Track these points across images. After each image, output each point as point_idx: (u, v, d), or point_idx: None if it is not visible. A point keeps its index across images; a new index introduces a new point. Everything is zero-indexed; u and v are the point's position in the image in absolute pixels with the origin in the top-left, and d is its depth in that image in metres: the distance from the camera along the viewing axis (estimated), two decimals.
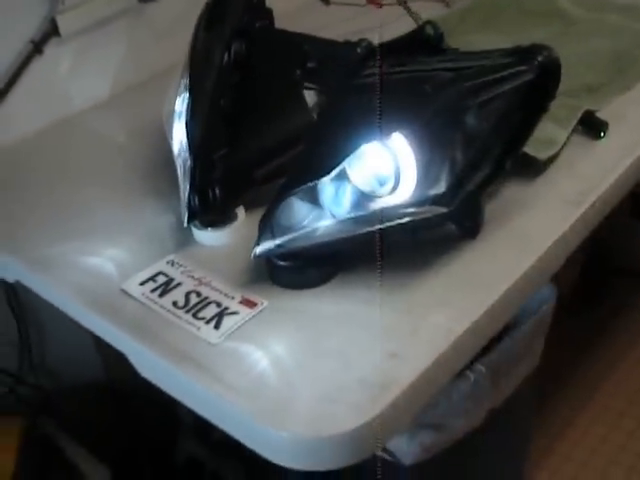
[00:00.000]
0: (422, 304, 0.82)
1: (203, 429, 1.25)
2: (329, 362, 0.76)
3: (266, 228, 0.82)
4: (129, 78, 1.26)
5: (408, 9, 1.23)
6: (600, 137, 1.02)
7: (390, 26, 1.30)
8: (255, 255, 0.82)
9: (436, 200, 0.79)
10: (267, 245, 0.82)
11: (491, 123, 0.80)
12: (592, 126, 1.02)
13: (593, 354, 1.73)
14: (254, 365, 0.77)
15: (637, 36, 1.20)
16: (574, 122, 1.00)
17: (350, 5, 1.37)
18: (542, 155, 0.94)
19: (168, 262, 0.89)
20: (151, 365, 0.81)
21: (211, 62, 0.91)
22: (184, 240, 0.93)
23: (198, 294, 0.84)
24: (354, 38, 1.00)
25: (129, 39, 1.25)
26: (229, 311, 0.82)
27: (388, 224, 0.79)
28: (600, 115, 1.06)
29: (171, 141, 0.93)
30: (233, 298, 0.84)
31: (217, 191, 0.88)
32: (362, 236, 0.80)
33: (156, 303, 0.84)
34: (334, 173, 0.79)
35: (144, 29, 1.26)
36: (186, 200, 0.87)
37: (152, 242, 0.93)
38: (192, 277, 0.87)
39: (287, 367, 0.76)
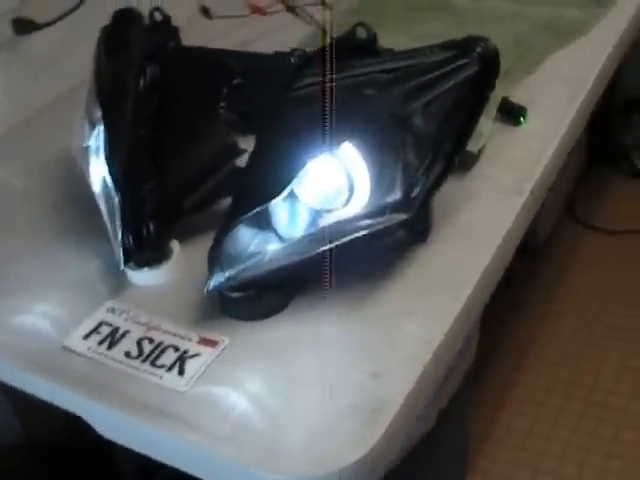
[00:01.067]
0: (390, 316, 0.79)
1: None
2: (311, 392, 0.72)
3: (215, 260, 0.76)
4: (10, 117, 1.17)
5: (300, 14, 1.19)
6: (520, 123, 1.01)
7: (279, 33, 1.28)
8: (208, 291, 0.76)
9: (395, 207, 0.76)
10: (219, 278, 0.76)
11: (438, 121, 0.77)
12: (511, 112, 1.02)
13: (511, 334, 1.75)
14: (232, 408, 0.71)
15: (532, 20, 1.21)
16: (494, 110, 0.99)
17: (233, 17, 1.32)
18: (473, 147, 0.93)
19: (108, 310, 0.82)
20: (114, 424, 0.74)
21: (124, 89, 0.84)
22: (118, 284, 0.86)
23: (150, 340, 0.78)
24: (243, 48, 0.95)
25: (6, 75, 1.16)
26: (189, 354, 0.76)
27: (344, 239, 0.76)
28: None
29: (89, 179, 0.86)
30: (190, 339, 0.78)
31: (151, 226, 0.82)
32: (318, 255, 0.76)
33: (106, 356, 0.77)
34: (282, 195, 0.75)
35: (22, 64, 1.17)
36: (120, 241, 0.80)
37: (85, 291, 0.86)
38: (138, 323, 0.80)
39: (268, 405, 0.72)
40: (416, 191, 0.77)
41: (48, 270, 0.89)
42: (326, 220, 0.76)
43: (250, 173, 0.78)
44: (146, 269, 0.85)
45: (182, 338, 0.78)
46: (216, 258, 0.76)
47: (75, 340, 0.79)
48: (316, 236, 0.76)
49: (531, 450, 1.54)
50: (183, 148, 0.87)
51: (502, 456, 1.53)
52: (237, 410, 0.71)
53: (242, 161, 0.87)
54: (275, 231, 0.77)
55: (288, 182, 0.75)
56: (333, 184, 0.76)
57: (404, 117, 0.75)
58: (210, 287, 0.76)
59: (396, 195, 0.76)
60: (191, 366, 0.75)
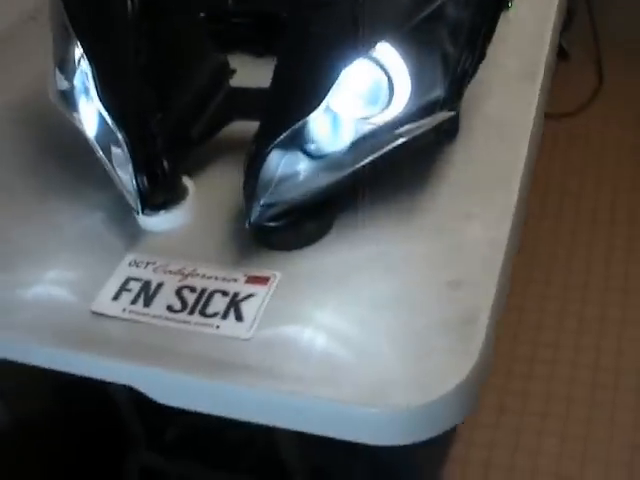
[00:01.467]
0: (447, 222, 0.73)
1: (154, 436, 1.09)
2: (390, 314, 0.66)
3: (253, 190, 0.68)
4: None
5: None
6: (508, 7, 0.95)
7: None
8: (249, 224, 0.68)
9: (439, 106, 0.69)
10: (259, 209, 0.68)
11: (472, 7, 0.71)
12: None
13: None
14: (310, 346, 0.64)
15: None
16: None
17: None
18: None
19: (130, 263, 0.73)
20: (177, 387, 0.66)
21: (111, 17, 0.74)
22: (132, 234, 0.76)
23: (191, 289, 0.70)
24: None
25: None
26: (241, 296, 0.68)
27: (387, 147, 0.69)
28: None
29: (81, 125, 0.75)
30: (236, 280, 0.70)
31: (164, 163, 0.73)
32: (359, 169, 0.69)
33: (146, 315, 0.68)
34: (318, 109, 0.67)
35: None
36: (133, 184, 0.70)
37: (94, 248, 0.76)
38: (170, 272, 0.72)
39: (349, 335, 0.65)
40: (458, 86, 0.70)
41: (45, 234, 0.78)
42: (366, 129, 0.69)
43: (277, 92, 0.70)
44: (162, 212, 0.75)
45: (226, 280, 0.70)
46: (253, 187, 0.68)
47: (104, 303, 0.70)
48: (357, 148, 0.69)
49: None
50: (178, 74, 0.77)
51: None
52: (317, 347, 0.64)
53: (242, 82, 0.79)
54: (313, 150, 0.69)
55: (322, 95, 0.67)
56: (371, 89, 0.69)
57: (436, 9, 0.68)
58: (252, 220, 0.68)
59: (439, 92, 0.69)
60: (248, 309, 0.67)
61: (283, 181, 0.69)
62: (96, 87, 0.72)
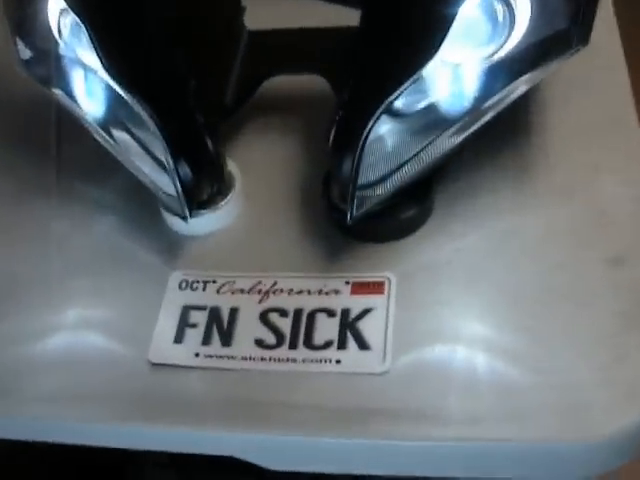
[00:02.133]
0: (573, 178, 0.58)
1: None
2: (553, 310, 0.51)
3: (353, 173, 0.51)
4: None
5: None
6: None
7: None
8: (351, 218, 0.51)
9: (567, 39, 0.54)
10: (364, 197, 0.51)
11: None
12: None
13: None
14: (470, 370, 0.49)
15: None
16: None
17: None
18: None
19: (181, 286, 0.54)
20: (304, 451, 0.49)
21: None
22: (166, 242, 0.57)
23: (281, 312, 0.52)
24: None
25: None
26: (355, 313, 0.52)
27: (515, 91, 0.53)
28: None
29: (73, 105, 0.55)
30: (338, 292, 0.53)
31: (209, 143, 0.54)
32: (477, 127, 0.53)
33: (231, 358, 0.51)
34: (435, 57, 0.49)
35: None
36: (174, 175, 0.51)
37: (123, 267, 0.57)
38: (241, 291, 0.54)
39: (513, 347, 0.50)
40: (587, 8, 0.54)
41: (44, 252, 0.58)
42: (485, 72, 0.52)
43: (371, 43, 0.52)
44: (204, 211, 0.57)
45: (325, 294, 0.53)
46: (355, 169, 0.50)
47: (165, 349, 0.51)
48: (478, 97, 0.52)
49: None
50: (193, 21, 0.57)
51: None
52: (478, 371, 0.49)
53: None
54: (423, 109, 0.52)
55: (437, 40, 0.49)
56: (489, 24, 0.52)
57: None
58: (354, 212, 0.51)
59: (564, 22, 0.53)
60: (372, 330, 0.51)
61: (388, 156, 0.52)
62: (96, 49, 0.52)
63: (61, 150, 0.62)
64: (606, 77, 0.63)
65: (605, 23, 0.66)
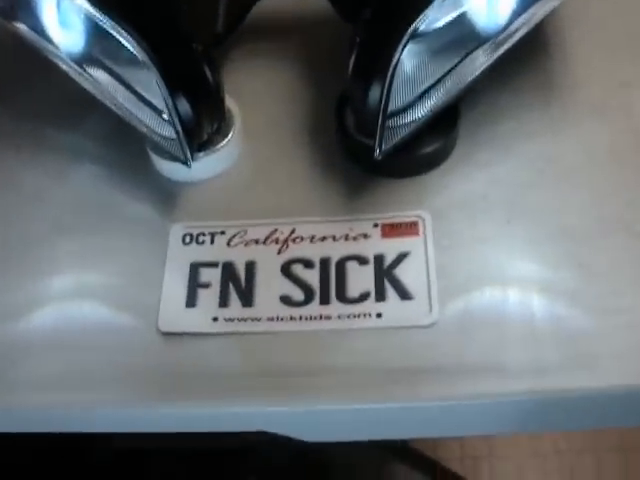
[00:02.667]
0: (602, 96, 0.53)
1: None
2: (608, 240, 0.46)
3: (381, 104, 0.44)
4: None
5: None
6: None
7: None
8: (380, 152, 0.45)
9: None
10: (394, 130, 0.45)
11: None
12: None
13: None
14: (528, 314, 0.44)
15: None
16: None
17: None
18: None
19: (185, 240, 0.48)
20: (351, 421, 0.43)
21: None
22: (162, 194, 0.50)
23: (306, 263, 0.46)
24: None
25: None
26: (391, 259, 0.46)
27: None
28: None
29: (53, 48, 0.47)
30: (367, 236, 0.47)
31: (208, 73, 0.47)
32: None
33: (255, 320, 0.44)
34: None
35: None
36: (173, 112, 0.44)
37: (113, 221, 0.49)
38: (255, 242, 0.47)
39: (572, 286, 0.45)
40: None
41: (18, 224, 0.50)
42: None
43: None
44: (204, 153, 0.50)
45: (352, 239, 0.47)
46: (383, 99, 0.44)
47: (177, 316, 0.45)
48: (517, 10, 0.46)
49: None
50: None
51: None
52: (537, 315, 0.44)
53: None
54: (456, 28, 0.46)
55: None
56: None
57: None
58: (384, 146, 0.45)
59: None
60: (413, 277, 0.45)
61: (411, 80, 0.46)
62: None
63: (22, 93, 0.54)
64: None
65: None
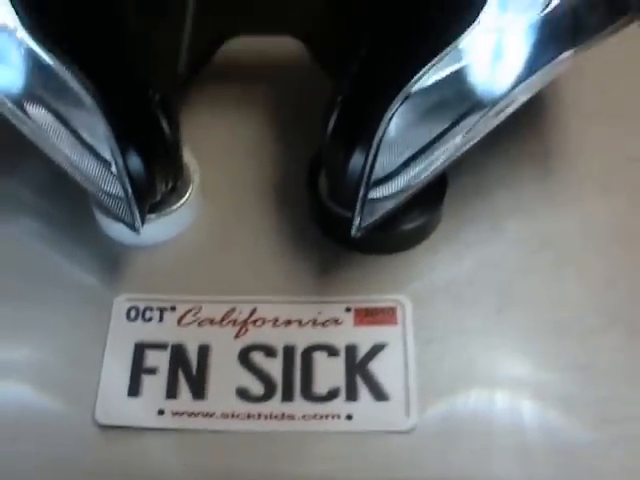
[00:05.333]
0: (606, 170, 0.51)
1: None
2: (610, 335, 0.44)
3: (366, 172, 0.42)
4: None
5: None
6: None
7: None
8: (358, 229, 0.42)
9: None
10: (376, 205, 0.43)
11: None
12: None
13: None
14: (520, 421, 0.42)
15: None
16: None
17: None
18: None
19: (130, 316, 0.45)
20: None
21: None
22: (107, 258, 0.47)
23: (268, 350, 0.44)
24: None
25: None
26: (364, 350, 0.44)
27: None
28: None
29: None
30: (338, 323, 0.44)
31: (164, 123, 0.44)
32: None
33: (207, 415, 0.42)
34: (475, 23, 0.41)
35: None
36: (121, 170, 0.41)
37: (48, 293, 0.46)
38: (211, 321, 0.45)
39: (578, 390, 0.43)
40: None
41: None
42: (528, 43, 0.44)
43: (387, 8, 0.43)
44: (155, 215, 0.47)
45: (320, 325, 0.44)
46: (365, 168, 0.41)
47: (118, 406, 0.42)
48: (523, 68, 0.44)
49: None
50: None
51: None
52: (530, 426, 0.42)
53: None
54: (452, 89, 0.44)
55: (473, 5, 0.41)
56: None
57: None
58: (363, 221, 0.42)
59: None
60: (388, 373, 0.43)
61: (394, 145, 0.43)
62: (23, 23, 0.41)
63: None
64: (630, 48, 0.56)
65: None
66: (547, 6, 0.44)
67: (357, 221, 0.42)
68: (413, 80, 0.40)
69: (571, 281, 0.46)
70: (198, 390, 0.42)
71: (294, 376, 0.42)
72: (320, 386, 0.42)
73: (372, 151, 0.41)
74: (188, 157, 0.48)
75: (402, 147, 0.44)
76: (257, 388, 0.42)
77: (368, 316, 0.44)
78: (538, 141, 0.53)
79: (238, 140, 0.51)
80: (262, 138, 0.51)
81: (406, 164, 0.44)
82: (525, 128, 0.52)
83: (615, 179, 0.50)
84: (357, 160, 0.42)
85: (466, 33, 0.41)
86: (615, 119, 0.54)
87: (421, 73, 0.40)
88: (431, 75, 0.41)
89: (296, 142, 0.50)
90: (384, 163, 0.44)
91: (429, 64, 0.40)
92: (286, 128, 0.52)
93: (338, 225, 0.44)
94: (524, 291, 0.46)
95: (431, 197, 0.47)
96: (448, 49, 0.41)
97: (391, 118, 0.40)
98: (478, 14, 0.41)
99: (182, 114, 0.49)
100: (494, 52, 0.43)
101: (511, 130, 0.50)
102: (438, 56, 0.40)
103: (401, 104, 0.40)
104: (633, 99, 0.54)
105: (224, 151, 0.51)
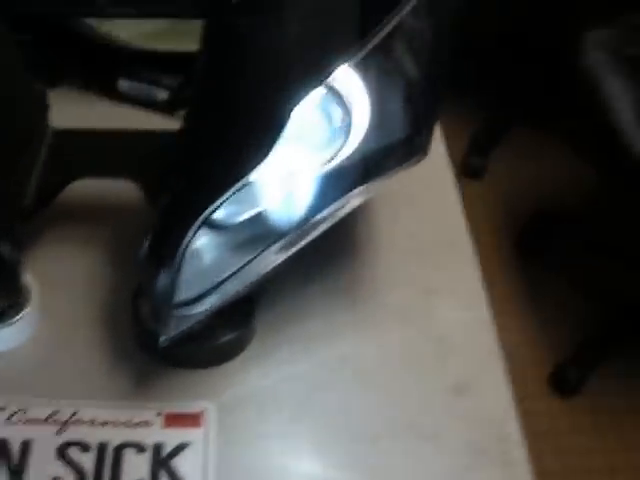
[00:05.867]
0: (406, 300, 0.60)
1: None
2: (396, 444, 0.51)
3: (169, 289, 0.49)
4: None
5: None
6: None
7: None
8: (166, 340, 0.50)
9: (405, 148, 0.56)
10: (181, 319, 0.50)
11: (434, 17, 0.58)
12: None
13: None
14: None
15: None
16: None
17: None
18: None
19: None
20: None
21: None
22: None
23: (84, 446, 0.50)
24: None
25: None
26: (169, 449, 0.50)
27: (345, 203, 0.54)
28: None
29: None
30: (149, 424, 0.51)
31: (4, 248, 0.51)
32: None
33: None
34: (265, 162, 0.50)
35: None
36: None
37: None
38: (35, 421, 0.51)
39: None
40: (426, 121, 0.57)
41: None
42: (320, 181, 0.53)
43: (192, 148, 0.52)
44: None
45: (134, 426, 0.51)
46: (171, 285, 0.49)
47: None
48: (311, 207, 0.53)
49: None
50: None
51: None
52: None
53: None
54: (249, 228, 0.52)
55: (268, 143, 0.49)
56: (326, 128, 0.53)
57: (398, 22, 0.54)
58: (168, 333, 0.49)
59: (404, 130, 0.55)
60: (188, 469, 0.49)
61: (207, 272, 0.51)
62: None
63: None
64: (436, 195, 0.66)
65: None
66: (341, 149, 0.53)
67: (163, 333, 0.49)
68: (204, 214, 0.48)
69: (365, 394, 0.53)
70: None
71: (104, 469, 0.48)
72: (126, 478, 0.48)
73: (173, 269, 0.48)
74: (29, 279, 0.55)
75: (214, 274, 0.52)
76: (69, 479, 0.48)
77: (176, 419, 0.50)
78: (352, 275, 0.60)
79: (76, 268, 0.58)
80: (96, 267, 0.58)
81: (216, 287, 0.52)
82: (342, 264, 0.60)
83: (411, 309, 0.58)
84: (162, 281, 0.49)
85: (255, 170, 0.48)
86: (422, 256, 0.62)
87: (212, 207, 0.48)
88: (234, 206, 0.49)
89: (125, 271, 0.57)
90: (197, 286, 0.51)
91: (219, 200, 0.48)
92: (121, 257, 0.59)
93: (154, 340, 0.51)
94: (319, 403, 0.52)
95: (239, 319, 0.54)
96: (238, 185, 0.48)
97: (190, 239, 0.47)
98: (268, 152, 0.48)
99: (29, 244, 0.57)
100: (287, 187, 0.52)
101: (329, 264, 0.58)
102: (226, 194, 0.48)
103: (198, 227, 0.47)
104: (433, 240, 0.63)
105: (63, 277, 0.57)
